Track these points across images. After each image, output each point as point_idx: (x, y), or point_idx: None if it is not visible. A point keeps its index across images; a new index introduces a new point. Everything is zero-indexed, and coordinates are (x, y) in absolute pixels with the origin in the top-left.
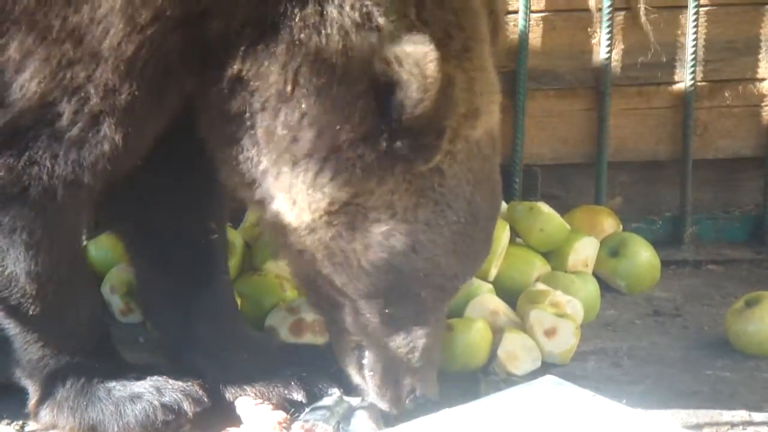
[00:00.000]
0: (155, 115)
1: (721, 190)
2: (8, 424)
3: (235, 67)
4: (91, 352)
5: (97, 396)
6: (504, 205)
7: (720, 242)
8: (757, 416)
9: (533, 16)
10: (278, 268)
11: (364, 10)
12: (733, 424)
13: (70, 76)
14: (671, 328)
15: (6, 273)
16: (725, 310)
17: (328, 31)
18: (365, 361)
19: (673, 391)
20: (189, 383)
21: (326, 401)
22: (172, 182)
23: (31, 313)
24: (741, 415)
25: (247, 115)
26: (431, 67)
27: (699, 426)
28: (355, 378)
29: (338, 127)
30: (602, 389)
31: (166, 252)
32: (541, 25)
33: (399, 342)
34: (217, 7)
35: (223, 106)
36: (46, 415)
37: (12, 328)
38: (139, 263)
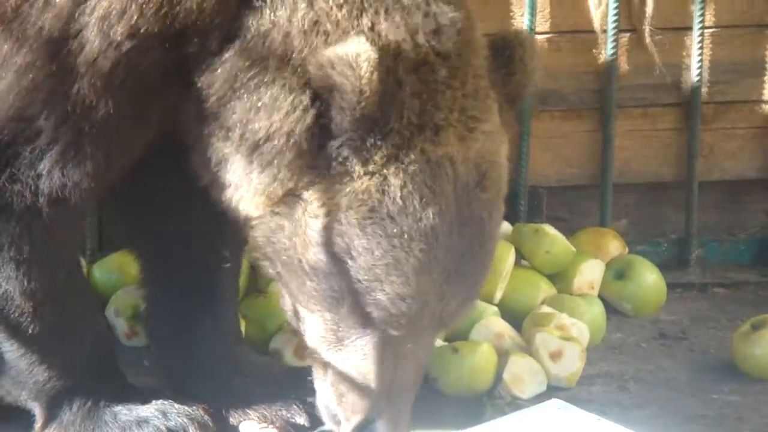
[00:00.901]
0: (138, 131)
1: (727, 212)
2: None
3: (206, 78)
4: (96, 374)
5: (104, 420)
6: (509, 227)
7: (726, 265)
8: None
9: (538, 37)
10: None
11: (314, 18)
12: None
13: (48, 89)
14: (677, 351)
15: (4, 292)
16: (731, 333)
17: (273, 36)
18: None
19: (680, 415)
20: (194, 408)
21: (329, 425)
22: (188, 207)
23: (30, 332)
24: None
25: (210, 119)
26: (365, 67)
27: None
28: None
29: (276, 125)
30: (608, 413)
31: (175, 275)
32: (546, 47)
33: (353, 366)
34: (194, 28)
35: (198, 114)
36: None
37: (15, 350)
38: (149, 285)
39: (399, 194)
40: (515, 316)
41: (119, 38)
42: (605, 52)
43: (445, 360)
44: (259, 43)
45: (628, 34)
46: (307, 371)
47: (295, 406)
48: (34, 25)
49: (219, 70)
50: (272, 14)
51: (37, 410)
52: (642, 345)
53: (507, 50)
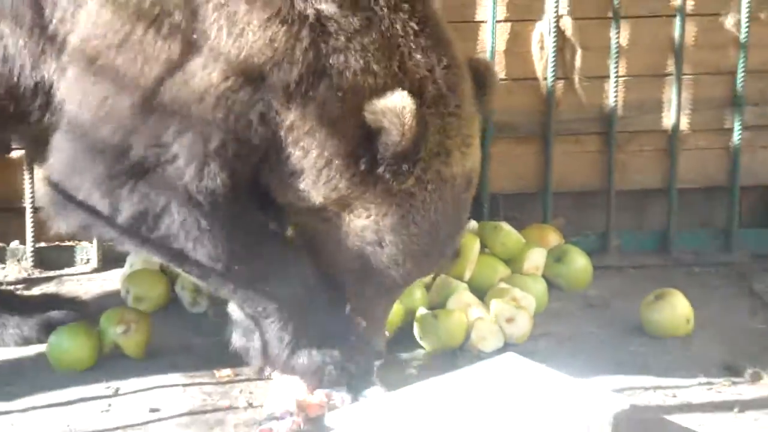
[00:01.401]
0: (245, 152)
1: (636, 213)
2: (107, 387)
3: (284, 113)
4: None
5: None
6: (475, 224)
7: (636, 252)
8: (663, 382)
9: None
10: None
11: (363, 60)
12: (645, 388)
13: (174, 123)
14: (601, 316)
15: (196, 266)
16: (640, 302)
17: (333, 78)
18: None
19: (602, 363)
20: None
21: None
22: None
23: (249, 278)
24: (651, 381)
25: (285, 145)
26: (408, 117)
27: (621, 389)
28: None
29: (336, 151)
30: (549, 362)
31: None
32: (502, 90)
33: (359, 309)
34: (268, 69)
35: (280, 142)
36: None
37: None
38: None
39: (420, 205)
40: (480, 290)
41: (216, 81)
42: (546, 94)
43: (427, 324)
44: (330, 85)
45: (562, 81)
46: None
47: None
48: (159, 82)
49: (295, 106)
50: (337, 61)
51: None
52: (574, 312)
53: (481, 77)
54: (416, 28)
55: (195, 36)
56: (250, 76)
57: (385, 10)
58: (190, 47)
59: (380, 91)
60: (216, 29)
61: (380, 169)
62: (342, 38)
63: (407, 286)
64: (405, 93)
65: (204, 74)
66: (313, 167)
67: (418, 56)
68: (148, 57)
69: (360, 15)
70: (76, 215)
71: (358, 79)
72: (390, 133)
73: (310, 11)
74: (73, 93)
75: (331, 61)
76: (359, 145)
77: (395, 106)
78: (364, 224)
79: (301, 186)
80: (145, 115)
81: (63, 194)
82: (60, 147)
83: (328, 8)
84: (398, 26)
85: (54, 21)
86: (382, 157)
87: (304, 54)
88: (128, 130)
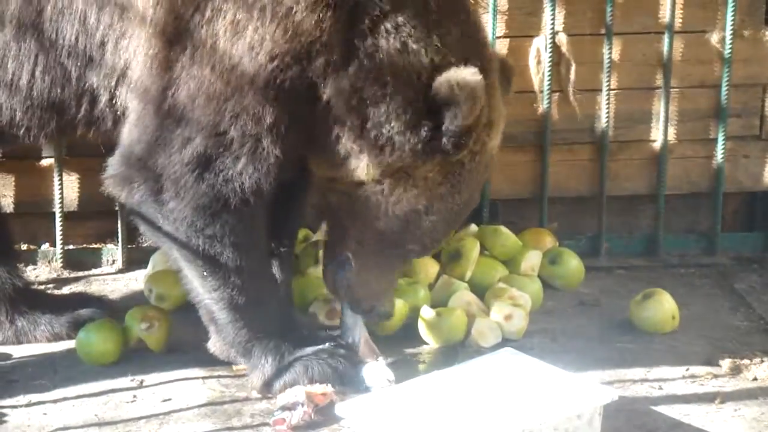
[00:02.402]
0: (294, 130)
1: (626, 218)
2: (132, 380)
3: (334, 90)
4: (282, 330)
5: (290, 363)
6: (475, 228)
7: (625, 254)
8: (651, 375)
9: None
10: (317, 272)
11: (402, 40)
12: (634, 381)
13: (228, 108)
14: (592, 314)
15: (221, 272)
16: (629, 301)
17: (393, 58)
18: (346, 280)
19: (593, 358)
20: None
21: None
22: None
23: (238, 303)
24: (639, 374)
25: (341, 119)
26: (481, 96)
27: (611, 382)
28: (332, 287)
29: (394, 124)
30: (544, 357)
31: None
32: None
33: (375, 274)
34: (316, 47)
35: (329, 118)
36: (262, 385)
37: (227, 318)
38: None
39: (467, 175)
40: (480, 290)
41: (263, 61)
42: (542, 106)
43: (431, 321)
44: (379, 63)
45: (557, 94)
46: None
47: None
48: (216, 68)
49: (345, 84)
50: (383, 41)
51: (243, 362)
52: (567, 310)
53: (505, 72)
54: (453, 7)
55: (239, 18)
56: (297, 56)
57: None
58: (235, 30)
59: (430, 67)
60: (258, 10)
61: (443, 141)
62: (385, 17)
63: (424, 255)
64: (475, 69)
65: (252, 55)
66: (371, 143)
67: (464, 30)
68: (197, 45)
69: None
70: (141, 189)
71: (407, 56)
72: (463, 107)
73: None
74: (130, 91)
75: (377, 39)
76: (422, 118)
77: (469, 81)
78: (417, 193)
79: (354, 163)
80: (204, 103)
81: (135, 168)
82: (126, 143)
83: None
84: (433, 4)
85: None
86: (447, 128)
87: (351, 33)
88: (188, 120)
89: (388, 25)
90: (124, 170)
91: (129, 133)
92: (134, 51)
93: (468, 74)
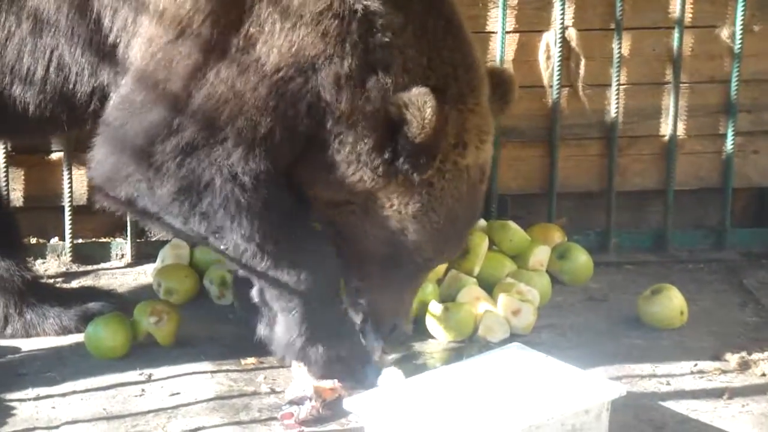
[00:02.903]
0: (289, 142)
1: (635, 213)
2: (140, 374)
3: (332, 105)
4: (322, 328)
5: (331, 357)
6: (484, 223)
7: (634, 249)
8: (659, 371)
9: None
10: None
11: (403, 57)
12: (642, 377)
13: (227, 108)
14: (600, 309)
15: (232, 243)
16: (637, 296)
17: (379, 74)
18: (362, 305)
19: (601, 353)
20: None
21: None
22: None
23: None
24: (647, 370)
25: (328, 137)
26: (429, 111)
27: (619, 378)
28: (354, 315)
29: (366, 144)
30: (552, 352)
31: None
32: None
33: (388, 294)
34: (317, 62)
35: (324, 134)
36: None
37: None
38: None
39: (439, 194)
40: (488, 285)
41: (268, 71)
42: (551, 100)
43: (439, 316)
44: (359, 90)
45: (567, 89)
46: None
47: None
48: (219, 75)
49: (344, 100)
50: (376, 56)
51: (291, 361)
52: (575, 305)
53: (503, 85)
54: (444, 27)
55: (250, 30)
56: (301, 68)
57: (420, 8)
58: (247, 41)
59: (409, 86)
60: (270, 23)
61: (400, 161)
62: (387, 34)
63: (431, 270)
64: (426, 89)
65: (258, 66)
66: (344, 160)
67: (445, 54)
68: (204, 50)
69: (400, 13)
70: (124, 188)
71: (397, 75)
72: (411, 126)
73: (358, 6)
74: (129, 79)
75: (377, 56)
76: (384, 138)
77: (417, 100)
78: (388, 214)
79: (331, 179)
80: (201, 101)
81: (112, 168)
82: (112, 124)
83: (373, 4)
84: (429, 25)
85: (114, 29)
86: (402, 148)
87: (354, 48)
88: (182, 112)
89: (390, 41)
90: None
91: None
92: (138, 51)
93: (415, 94)
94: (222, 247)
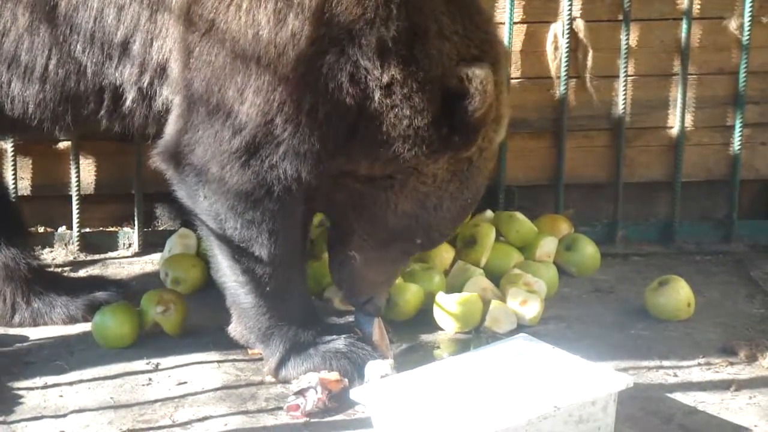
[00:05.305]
0: (333, 126)
1: (642, 205)
2: (147, 363)
3: (372, 82)
4: (302, 320)
5: (308, 353)
6: (491, 214)
7: (641, 241)
8: (666, 362)
9: (512, 80)
10: None
11: (445, 24)
12: (649, 368)
13: (275, 99)
14: (607, 301)
15: (254, 257)
16: (644, 288)
17: (427, 40)
18: (347, 272)
19: (608, 344)
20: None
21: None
22: None
23: (265, 289)
24: (653, 361)
25: (381, 110)
26: (491, 87)
27: (625, 369)
28: (337, 281)
29: (421, 119)
30: (559, 344)
31: None
32: (518, 87)
33: (376, 268)
34: (352, 33)
35: (375, 107)
36: (278, 372)
37: (250, 303)
38: None
39: (475, 171)
40: (495, 276)
41: (303, 46)
42: (559, 92)
43: (446, 307)
44: (407, 56)
45: (574, 80)
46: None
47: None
48: (267, 68)
49: (392, 68)
50: (421, 21)
51: (261, 348)
52: (583, 296)
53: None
54: (476, 2)
55: (280, 5)
56: (336, 37)
57: None
58: (278, 18)
59: (457, 57)
60: None
61: (455, 138)
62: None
63: (435, 246)
64: (487, 64)
65: (294, 42)
66: (401, 135)
67: (478, 22)
68: (236, 37)
69: None
70: (186, 170)
71: (444, 43)
72: (474, 100)
73: None
74: (176, 90)
75: (423, 21)
76: (441, 112)
77: (481, 74)
78: (427, 190)
79: (382, 154)
80: (252, 96)
81: (182, 151)
82: (182, 121)
83: None
84: None
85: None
86: (460, 123)
87: (399, 10)
88: (237, 112)
89: (433, 6)
90: (173, 150)
91: (175, 124)
92: (170, 49)
93: (479, 67)
94: (236, 255)
